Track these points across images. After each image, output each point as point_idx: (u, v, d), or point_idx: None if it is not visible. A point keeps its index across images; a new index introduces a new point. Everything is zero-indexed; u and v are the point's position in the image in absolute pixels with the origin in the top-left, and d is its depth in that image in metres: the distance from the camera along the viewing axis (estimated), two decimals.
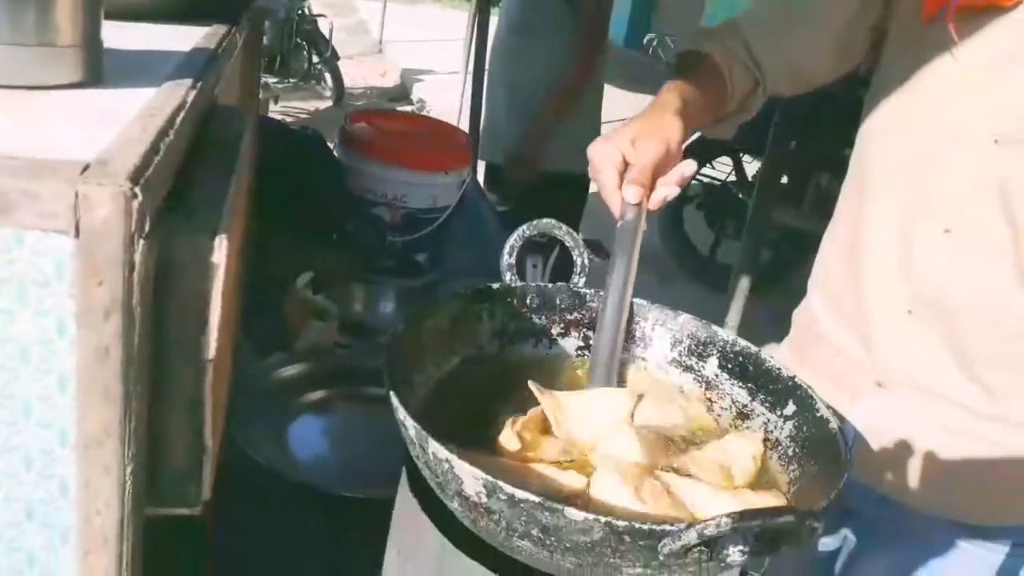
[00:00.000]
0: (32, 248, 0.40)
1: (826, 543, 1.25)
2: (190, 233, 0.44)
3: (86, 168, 0.40)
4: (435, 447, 0.58)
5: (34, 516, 0.45)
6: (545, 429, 0.73)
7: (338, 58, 6.18)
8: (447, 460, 0.58)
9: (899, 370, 1.07)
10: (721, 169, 4.31)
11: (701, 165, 4.16)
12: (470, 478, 0.57)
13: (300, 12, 5.80)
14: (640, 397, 0.78)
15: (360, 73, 7.48)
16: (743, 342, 0.86)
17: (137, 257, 0.40)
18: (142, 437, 0.46)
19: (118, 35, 0.74)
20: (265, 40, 5.54)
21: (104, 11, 0.76)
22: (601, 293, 0.90)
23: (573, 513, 0.54)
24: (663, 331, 0.89)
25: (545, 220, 0.91)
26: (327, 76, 6.16)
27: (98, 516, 0.45)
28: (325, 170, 1.73)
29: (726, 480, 0.69)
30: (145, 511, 0.50)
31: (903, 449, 1.08)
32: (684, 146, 0.93)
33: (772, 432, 0.80)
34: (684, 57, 1.12)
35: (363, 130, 1.78)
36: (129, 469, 0.45)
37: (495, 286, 0.87)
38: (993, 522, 1.08)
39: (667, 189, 0.86)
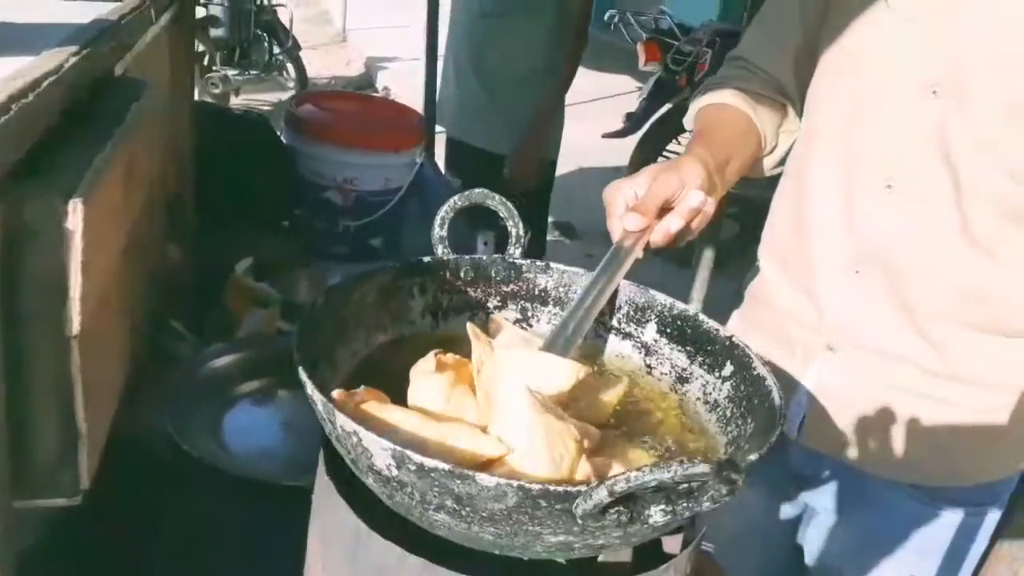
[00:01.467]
0: None
1: (786, 511, 1.24)
2: (41, 196, 0.41)
3: None
4: (343, 420, 0.56)
5: None
6: (469, 382, 0.67)
7: (300, 48, 6.08)
8: (355, 432, 0.55)
9: (849, 332, 1.06)
10: (684, 146, 4.28)
11: (664, 143, 4.13)
12: (378, 449, 0.54)
13: (258, 2, 5.70)
14: (589, 372, 0.73)
15: (324, 63, 7.38)
16: (681, 305, 0.84)
17: None
18: (1, 422, 0.43)
19: (23, 10, 0.71)
20: (222, 32, 5.45)
21: None
22: (538, 263, 0.88)
23: (484, 479, 0.52)
24: None
25: (478, 191, 0.88)
26: (289, 67, 6.06)
27: None
28: (271, 155, 1.70)
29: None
30: (15, 503, 0.46)
31: (857, 413, 1.07)
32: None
33: (711, 394, 0.78)
34: (704, 112, 1.12)
35: (310, 112, 1.75)
36: None
37: (426, 259, 0.84)
38: (950, 483, 1.08)
39: (671, 220, 0.84)
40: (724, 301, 1.37)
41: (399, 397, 0.73)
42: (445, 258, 0.85)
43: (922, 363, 1.02)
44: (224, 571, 0.83)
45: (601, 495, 0.49)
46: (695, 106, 1.17)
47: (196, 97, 5.09)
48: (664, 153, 4.30)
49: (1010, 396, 1.01)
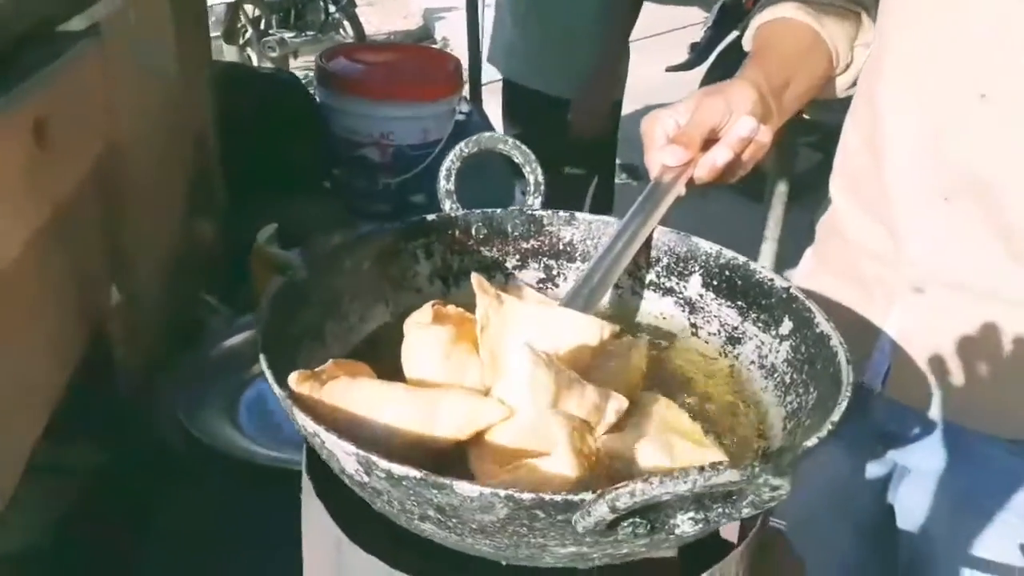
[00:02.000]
0: None
1: (873, 470, 1.11)
2: None
3: None
4: (303, 419, 0.47)
5: None
6: (472, 340, 0.58)
7: (355, 5, 5.98)
8: (316, 434, 0.46)
9: (938, 269, 0.91)
10: None
11: (732, 73, 3.87)
12: (343, 453, 0.45)
13: None
14: (615, 331, 0.62)
15: (382, 19, 7.27)
16: (729, 253, 0.72)
17: None
18: None
19: None
20: None
21: None
22: (560, 214, 0.77)
23: (465, 488, 0.42)
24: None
25: (487, 135, 0.77)
26: (346, 24, 5.98)
27: None
28: (303, 114, 1.61)
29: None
30: None
31: (947, 360, 0.93)
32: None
33: (767, 357, 0.66)
34: (761, 30, 0.99)
35: (340, 66, 1.65)
36: None
37: (430, 218, 0.74)
38: None
39: (717, 152, 0.73)
40: (801, 239, 1.24)
41: (403, 375, 0.65)
42: (453, 214, 0.75)
43: (1020, 299, 0.87)
44: (236, 560, 0.77)
45: (601, 511, 0.39)
46: (752, 25, 1.03)
47: (255, 62, 5.05)
48: None
49: None
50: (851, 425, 1.03)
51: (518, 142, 0.77)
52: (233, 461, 0.82)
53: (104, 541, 0.79)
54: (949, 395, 0.93)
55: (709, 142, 0.75)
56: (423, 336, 0.57)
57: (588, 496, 0.40)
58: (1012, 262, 0.86)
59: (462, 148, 0.76)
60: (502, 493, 0.42)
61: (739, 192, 3.42)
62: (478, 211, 0.75)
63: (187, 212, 1.31)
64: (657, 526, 0.43)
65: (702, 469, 0.37)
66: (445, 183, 0.76)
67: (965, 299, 0.89)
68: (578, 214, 0.77)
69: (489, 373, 0.55)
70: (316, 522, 0.54)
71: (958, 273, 0.89)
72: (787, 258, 1.88)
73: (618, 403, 0.55)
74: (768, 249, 2.11)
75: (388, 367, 0.64)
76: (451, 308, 0.60)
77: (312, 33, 5.74)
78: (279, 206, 1.52)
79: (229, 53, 5.34)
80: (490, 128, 2.22)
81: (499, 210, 0.76)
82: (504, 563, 0.50)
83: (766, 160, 0.87)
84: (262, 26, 5.52)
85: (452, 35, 6.50)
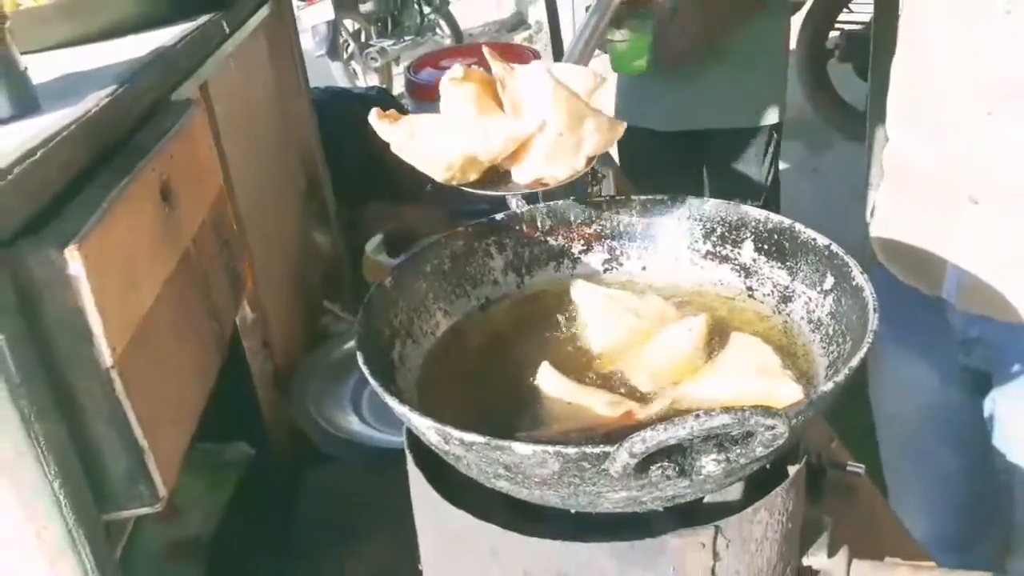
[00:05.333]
0: None
1: (964, 382, 1.12)
2: (37, 249, 0.45)
3: None
4: (393, 402, 0.57)
5: None
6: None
7: (448, 2, 6.14)
8: (405, 415, 0.56)
9: (989, 178, 0.94)
10: (861, 10, 3.86)
11: (837, 9, 3.76)
12: (425, 428, 0.55)
13: None
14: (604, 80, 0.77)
15: (475, 11, 7.41)
16: (776, 217, 0.77)
17: None
18: (63, 452, 0.48)
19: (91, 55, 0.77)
20: (372, 5, 5.62)
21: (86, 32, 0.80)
22: (617, 199, 0.84)
23: (520, 448, 0.51)
24: (692, 223, 0.81)
25: None
26: (442, 23, 6.15)
27: (45, 531, 0.48)
28: None
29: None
30: (104, 518, 0.52)
31: (1013, 267, 0.96)
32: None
33: (814, 312, 0.71)
34: None
35: (426, 76, 1.76)
36: (57, 484, 0.47)
37: (498, 216, 0.83)
38: None
39: None
40: None
41: (492, 361, 0.75)
42: (519, 211, 0.83)
43: None
44: (370, 529, 0.89)
45: (623, 457, 0.47)
46: None
47: (360, 74, 5.22)
48: (836, 26, 3.91)
49: None
50: (933, 338, 1.06)
51: None
52: (358, 446, 0.94)
53: (258, 521, 0.93)
54: (1017, 300, 0.95)
55: None
56: (459, 90, 0.71)
57: (607, 449, 0.48)
58: None
59: None
60: (551, 450, 0.50)
61: (849, 137, 3.33)
62: (542, 204, 0.84)
63: (303, 225, 1.47)
64: (686, 468, 0.50)
65: (697, 415, 0.44)
66: None
67: (1019, 207, 0.91)
68: (633, 197, 0.83)
69: (513, 117, 0.70)
70: (418, 487, 0.64)
71: (1011, 184, 0.91)
72: None
73: (621, 127, 0.73)
74: (872, 198, 2.06)
75: (474, 347, 0.75)
76: (474, 68, 0.73)
77: (410, 38, 5.93)
78: (388, 215, 1.66)
79: (336, 70, 5.63)
80: None
81: (560, 201, 0.84)
82: (572, 511, 0.58)
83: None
84: (362, 38, 5.78)
85: (545, 18, 6.56)
